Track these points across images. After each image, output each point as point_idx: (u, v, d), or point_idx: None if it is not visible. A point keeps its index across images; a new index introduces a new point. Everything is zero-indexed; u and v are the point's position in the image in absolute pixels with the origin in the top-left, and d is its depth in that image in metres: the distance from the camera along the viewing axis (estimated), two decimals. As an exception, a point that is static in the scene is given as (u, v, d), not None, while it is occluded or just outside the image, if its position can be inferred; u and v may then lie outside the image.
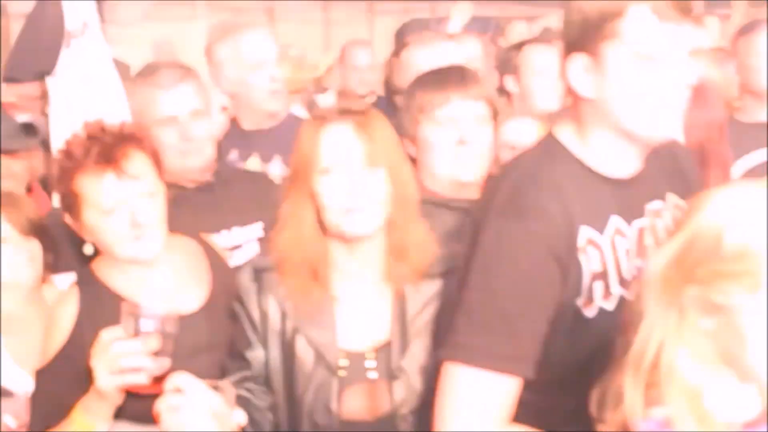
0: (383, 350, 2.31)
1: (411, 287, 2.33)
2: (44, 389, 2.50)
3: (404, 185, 2.33)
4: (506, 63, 4.13)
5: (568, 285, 2.05)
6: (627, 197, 2.15)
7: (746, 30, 4.50)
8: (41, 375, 2.50)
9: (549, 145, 2.17)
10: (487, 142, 2.88)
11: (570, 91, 2.13)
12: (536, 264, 2.02)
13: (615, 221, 2.13)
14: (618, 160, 2.14)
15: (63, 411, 2.40)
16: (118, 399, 2.35)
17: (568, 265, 2.05)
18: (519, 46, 4.26)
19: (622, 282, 2.11)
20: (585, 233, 2.08)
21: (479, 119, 2.86)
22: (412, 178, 2.39)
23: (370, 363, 2.30)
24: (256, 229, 3.10)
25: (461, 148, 2.82)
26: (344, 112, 2.33)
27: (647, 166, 2.19)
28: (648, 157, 2.18)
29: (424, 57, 3.67)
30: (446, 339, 2.12)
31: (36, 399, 2.53)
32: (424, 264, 2.34)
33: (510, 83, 3.94)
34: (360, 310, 2.34)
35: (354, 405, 2.30)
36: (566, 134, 2.16)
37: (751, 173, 3.77)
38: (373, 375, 2.30)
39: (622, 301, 2.08)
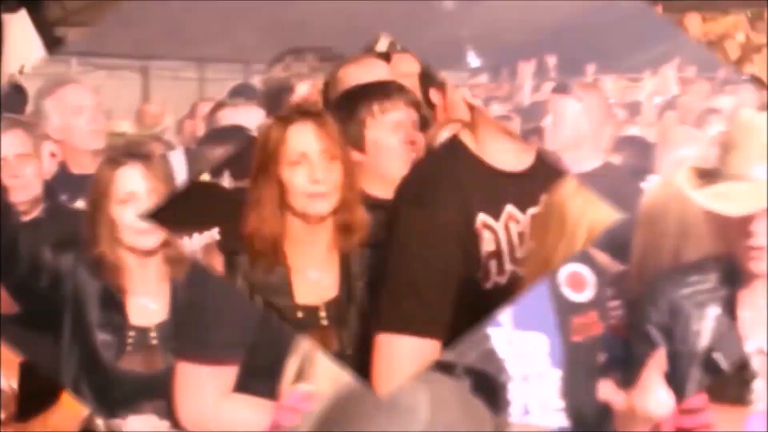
0: (333, 303, 2.72)
1: (354, 253, 2.75)
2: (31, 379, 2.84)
3: (352, 175, 2.76)
4: (430, 77, 4.41)
5: (468, 262, 2.48)
6: (521, 188, 2.55)
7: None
8: (26, 366, 2.84)
9: (451, 147, 2.60)
10: (423, 146, 3.28)
11: (466, 101, 2.56)
12: (437, 245, 2.45)
13: (509, 209, 2.54)
14: (509, 155, 2.55)
15: (50, 399, 2.76)
16: None
17: (466, 245, 2.48)
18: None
19: (515, 260, 2.53)
20: (481, 219, 2.50)
21: (416, 125, 3.24)
22: (356, 170, 2.80)
23: (322, 314, 2.72)
24: (213, 233, 3.47)
25: (409, 148, 3.16)
26: (305, 114, 2.75)
27: (544, 160, 2.59)
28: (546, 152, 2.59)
29: (358, 74, 3.98)
30: (374, 314, 2.55)
31: (23, 389, 2.84)
32: (363, 236, 2.75)
33: (434, 96, 4.24)
34: (314, 273, 2.75)
35: None
36: (467, 136, 2.58)
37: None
38: (324, 322, 2.71)
39: (513, 276, 2.50)
